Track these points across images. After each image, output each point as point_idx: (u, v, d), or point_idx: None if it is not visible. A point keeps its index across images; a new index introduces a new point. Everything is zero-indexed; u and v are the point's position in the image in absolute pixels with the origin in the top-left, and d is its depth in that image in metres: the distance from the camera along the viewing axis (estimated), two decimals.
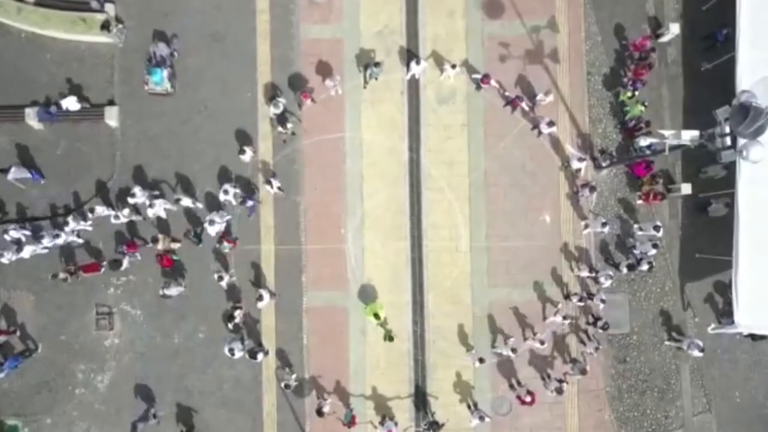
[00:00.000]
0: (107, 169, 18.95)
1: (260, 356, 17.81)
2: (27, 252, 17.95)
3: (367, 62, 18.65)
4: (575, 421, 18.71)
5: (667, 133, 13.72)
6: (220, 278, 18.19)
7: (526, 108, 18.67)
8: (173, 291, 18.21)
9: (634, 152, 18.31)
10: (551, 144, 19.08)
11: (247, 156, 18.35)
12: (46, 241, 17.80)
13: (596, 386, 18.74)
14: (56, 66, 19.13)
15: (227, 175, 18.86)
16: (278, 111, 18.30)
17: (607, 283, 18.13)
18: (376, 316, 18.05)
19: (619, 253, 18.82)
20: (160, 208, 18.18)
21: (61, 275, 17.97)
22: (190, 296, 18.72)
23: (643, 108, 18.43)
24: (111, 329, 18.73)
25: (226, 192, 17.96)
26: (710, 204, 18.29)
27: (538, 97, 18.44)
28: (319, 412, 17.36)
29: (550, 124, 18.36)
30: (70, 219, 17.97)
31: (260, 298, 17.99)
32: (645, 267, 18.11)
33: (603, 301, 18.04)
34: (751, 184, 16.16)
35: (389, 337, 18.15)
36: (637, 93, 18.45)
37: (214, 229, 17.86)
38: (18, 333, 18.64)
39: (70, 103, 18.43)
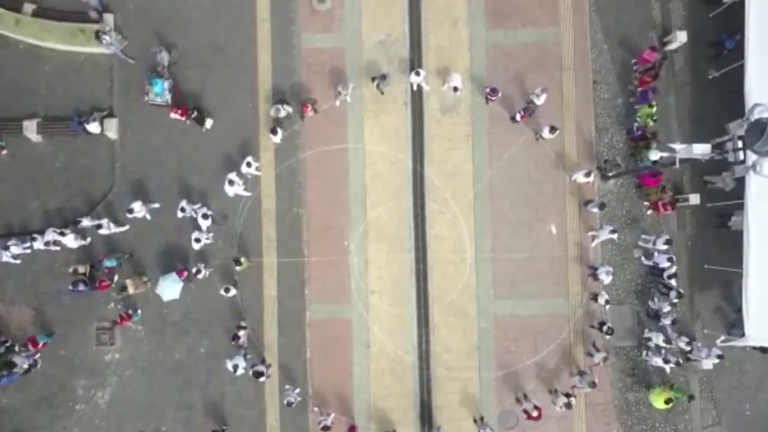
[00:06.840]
0: (107, 181, 18.73)
1: (263, 378, 17.54)
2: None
3: (374, 75, 18.36)
4: None
5: (677, 147, 13.36)
6: (227, 290, 17.93)
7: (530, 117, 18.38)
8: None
9: (640, 162, 18.03)
10: (557, 154, 18.79)
11: (252, 168, 18.16)
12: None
13: (604, 399, 18.46)
14: (55, 78, 18.93)
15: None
16: (281, 116, 18.16)
17: (607, 279, 17.86)
18: (668, 401, 17.56)
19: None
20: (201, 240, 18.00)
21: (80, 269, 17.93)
22: (193, 310, 18.51)
23: (652, 121, 18.09)
24: (112, 344, 18.53)
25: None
26: (731, 217, 17.73)
27: (533, 97, 17.83)
28: (326, 429, 17.08)
29: (552, 129, 18.00)
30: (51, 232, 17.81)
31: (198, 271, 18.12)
32: (673, 282, 17.77)
33: (607, 301, 17.84)
34: (760, 196, 15.87)
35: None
36: (656, 104, 17.98)
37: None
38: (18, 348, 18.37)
39: (93, 128, 18.24)
